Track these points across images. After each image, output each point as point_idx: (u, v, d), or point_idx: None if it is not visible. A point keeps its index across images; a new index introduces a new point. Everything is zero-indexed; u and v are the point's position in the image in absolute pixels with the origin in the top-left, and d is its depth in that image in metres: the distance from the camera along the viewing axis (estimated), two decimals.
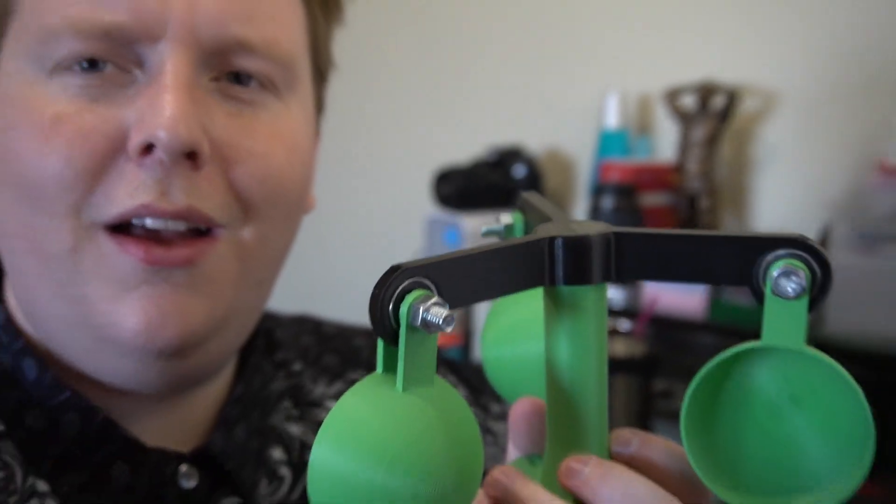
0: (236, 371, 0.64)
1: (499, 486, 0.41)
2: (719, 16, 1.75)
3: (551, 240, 0.40)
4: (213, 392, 0.62)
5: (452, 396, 0.38)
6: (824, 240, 1.46)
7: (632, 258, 0.41)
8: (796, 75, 1.66)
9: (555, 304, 0.41)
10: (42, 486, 0.55)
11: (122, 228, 0.53)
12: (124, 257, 0.52)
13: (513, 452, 0.46)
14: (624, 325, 1.55)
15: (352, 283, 1.98)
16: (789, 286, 0.37)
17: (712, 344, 1.54)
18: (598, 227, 0.41)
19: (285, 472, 0.63)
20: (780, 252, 0.38)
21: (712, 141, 1.66)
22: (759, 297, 0.38)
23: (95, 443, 0.56)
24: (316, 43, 0.62)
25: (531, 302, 0.47)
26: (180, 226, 0.53)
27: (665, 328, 1.54)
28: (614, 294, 1.59)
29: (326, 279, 2.24)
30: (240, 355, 0.64)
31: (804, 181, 1.64)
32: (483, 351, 0.51)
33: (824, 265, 0.37)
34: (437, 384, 0.37)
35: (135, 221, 0.52)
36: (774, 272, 0.37)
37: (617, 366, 1.50)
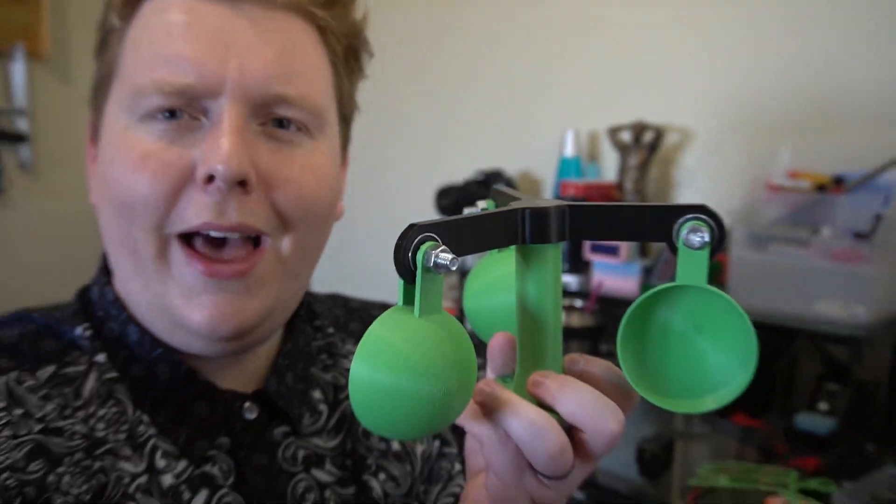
0: (284, 333, 0.64)
1: (483, 393, 0.40)
2: (649, 74, 1.74)
3: (522, 210, 0.40)
4: (268, 349, 0.62)
5: (455, 323, 0.38)
6: (727, 239, 1.50)
7: (581, 223, 0.41)
8: (706, 117, 1.67)
9: (524, 258, 0.42)
10: (145, 418, 0.55)
11: (189, 237, 0.53)
12: (191, 270, 0.53)
13: (490, 376, 0.44)
14: (577, 303, 1.55)
15: (373, 272, 1.98)
16: (695, 239, 0.38)
17: None
18: (557, 203, 0.41)
19: (323, 407, 0.63)
20: (689, 216, 0.39)
21: (644, 166, 1.67)
22: (674, 249, 0.39)
23: (182, 386, 0.57)
24: (341, 95, 0.60)
25: (501, 266, 0.48)
26: (235, 235, 0.53)
27: (608, 305, 1.54)
28: (570, 280, 1.59)
29: (353, 269, 2.18)
30: (287, 322, 0.63)
31: (712, 196, 1.62)
32: (465, 303, 0.51)
33: (720, 225, 0.39)
34: (443, 314, 0.38)
35: (200, 232, 0.53)
36: (685, 230, 0.39)
37: (573, 334, 1.51)
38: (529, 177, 1.98)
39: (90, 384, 0.56)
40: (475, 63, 2.07)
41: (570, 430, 0.40)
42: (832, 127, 1.52)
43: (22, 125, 2.27)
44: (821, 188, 1.38)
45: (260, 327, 0.56)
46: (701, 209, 0.39)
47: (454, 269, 0.35)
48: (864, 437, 1.32)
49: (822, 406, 1.32)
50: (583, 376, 0.41)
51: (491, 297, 0.49)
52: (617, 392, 0.41)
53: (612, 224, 0.41)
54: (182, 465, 0.55)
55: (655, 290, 0.39)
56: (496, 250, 0.49)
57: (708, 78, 1.67)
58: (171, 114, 0.53)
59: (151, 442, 0.55)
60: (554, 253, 0.41)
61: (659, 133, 1.67)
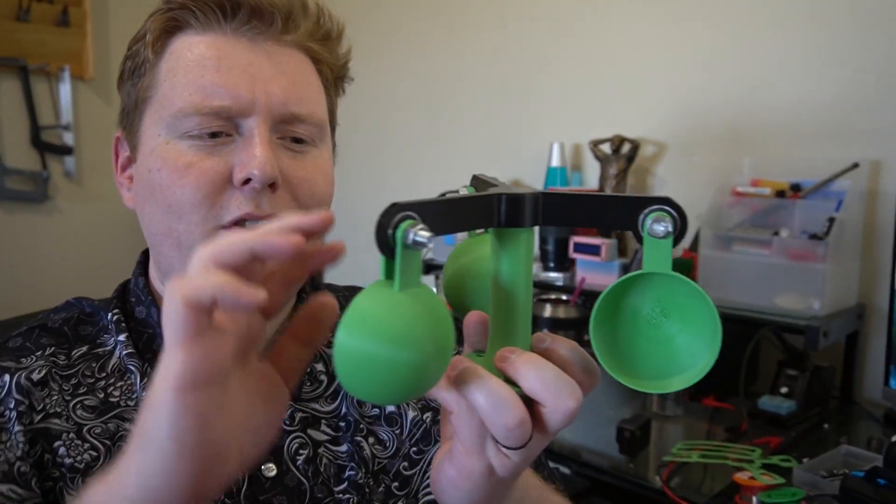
0: (294, 307, 0.67)
1: (457, 367, 0.39)
2: (627, 93, 1.74)
3: (499, 195, 0.39)
4: (278, 321, 0.64)
5: (433, 296, 0.37)
6: (696, 240, 1.46)
7: (554, 210, 0.40)
8: (677, 131, 1.67)
9: (499, 240, 0.40)
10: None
11: (235, 224, 0.57)
12: None
13: (467, 350, 0.44)
14: (563, 297, 1.54)
15: (374, 274, 2.02)
16: (659, 229, 0.37)
17: None
18: (531, 190, 0.40)
19: (323, 378, 0.65)
20: (654, 207, 0.38)
21: (622, 175, 1.66)
22: (639, 238, 0.38)
23: None
24: (331, 110, 0.66)
25: (476, 250, 0.47)
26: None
27: (591, 298, 1.51)
28: (557, 277, 1.58)
29: (359, 265, 2.23)
30: (297, 297, 0.67)
31: (682, 201, 1.51)
32: (444, 280, 0.48)
33: (682, 216, 0.37)
34: (422, 287, 0.36)
35: (241, 221, 0.57)
36: (650, 220, 0.37)
37: (560, 324, 1.50)
38: (519, 184, 1.96)
39: (113, 360, 0.61)
40: (469, 81, 2.07)
41: (531, 405, 0.38)
42: (790, 140, 1.53)
43: (67, 139, 2.29)
44: (780, 194, 1.39)
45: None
46: (665, 201, 0.38)
47: (431, 245, 0.34)
48: (820, 417, 1.32)
49: (783, 390, 1.32)
50: (547, 353, 0.40)
51: (469, 278, 0.47)
52: (579, 371, 0.40)
53: (582, 212, 0.40)
54: None
55: (625, 277, 0.38)
56: (475, 234, 0.48)
57: (679, 96, 1.67)
58: (212, 135, 0.57)
59: None
60: (527, 236, 0.40)
61: (635, 145, 1.67)
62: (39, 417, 0.56)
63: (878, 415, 1.33)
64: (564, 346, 0.40)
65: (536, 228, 0.41)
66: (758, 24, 1.55)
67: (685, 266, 1.49)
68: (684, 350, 0.38)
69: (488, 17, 2.01)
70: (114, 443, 0.57)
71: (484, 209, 0.39)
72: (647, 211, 0.38)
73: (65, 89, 2.25)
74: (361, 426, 0.63)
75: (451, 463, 0.41)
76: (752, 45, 1.56)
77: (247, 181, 0.56)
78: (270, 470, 0.58)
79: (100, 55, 2.33)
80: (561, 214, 0.40)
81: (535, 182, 1.90)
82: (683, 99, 1.66)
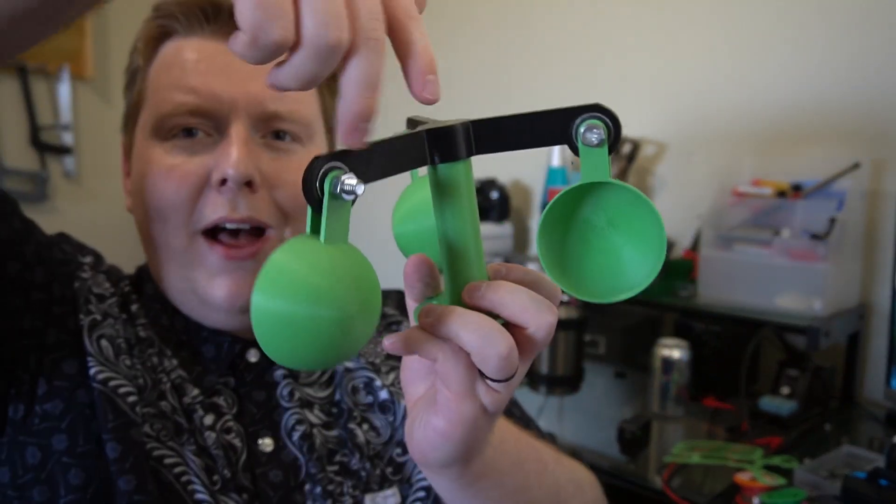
0: None
1: (429, 314, 0.37)
2: (627, 93, 1.74)
3: (427, 131, 0.37)
4: None
5: (359, 253, 0.34)
6: (697, 240, 1.47)
7: (486, 136, 0.38)
8: (678, 131, 1.67)
9: (437, 179, 0.38)
10: (169, 352, 0.61)
11: (212, 232, 0.59)
12: (213, 256, 0.58)
13: (411, 305, 0.41)
14: (564, 297, 1.56)
15: (383, 262, 2.02)
16: (592, 137, 0.36)
17: (621, 308, 1.54)
18: (459, 120, 0.38)
19: None
20: (585, 115, 0.36)
21: (622, 175, 1.65)
22: (575, 149, 0.37)
23: (194, 333, 0.62)
24: (326, 111, 0.66)
25: (419, 193, 0.45)
26: (245, 227, 0.59)
27: None
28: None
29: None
30: None
31: (683, 202, 1.63)
32: (393, 230, 0.46)
33: (615, 121, 0.36)
34: (348, 244, 0.34)
35: (219, 226, 0.58)
36: (582, 129, 0.36)
37: (560, 325, 1.53)
38: (520, 184, 1.97)
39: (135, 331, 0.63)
40: (469, 81, 2.07)
41: (512, 331, 0.37)
42: (791, 139, 1.53)
43: (67, 139, 2.29)
44: (781, 194, 1.38)
45: None
46: (595, 108, 0.36)
47: (361, 192, 0.32)
48: (822, 417, 1.31)
49: (784, 390, 1.32)
50: (509, 280, 0.39)
51: (415, 222, 0.45)
52: (543, 288, 0.39)
53: (514, 133, 0.38)
54: (196, 391, 0.59)
55: (569, 187, 0.37)
56: (418, 177, 0.46)
57: (680, 96, 1.67)
58: (189, 132, 0.58)
59: (175, 372, 0.60)
60: (465, 168, 0.38)
61: (636, 145, 1.67)
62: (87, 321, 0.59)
63: (879, 415, 1.33)
64: (519, 271, 0.40)
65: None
66: (758, 24, 1.55)
67: (686, 266, 1.49)
68: (631, 260, 0.38)
69: (488, 17, 2.01)
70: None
71: (414, 149, 0.37)
72: (578, 120, 0.37)
73: (64, 89, 2.24)
74: (355, 414, 0.64)
75: (440, 415, 0.39)
76: (752, 45, 1.56)
77: (223, 181, 0.57)
78: (268, 445, 0.60)
79: (99, 54, 2.32)
80: (493, 140, 0.38)
81: (535, 183, 1.90)
82: (684, 99, 1.66)
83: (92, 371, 0.55)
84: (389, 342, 0.38)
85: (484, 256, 0.40)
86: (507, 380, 0.38)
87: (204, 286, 0.59)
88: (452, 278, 0.39)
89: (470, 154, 0.38)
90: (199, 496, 0.54)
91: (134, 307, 0.63)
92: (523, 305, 0.37)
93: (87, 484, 0.51)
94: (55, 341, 0.56)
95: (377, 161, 0.35)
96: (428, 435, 0.40)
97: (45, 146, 2.24)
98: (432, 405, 0.40)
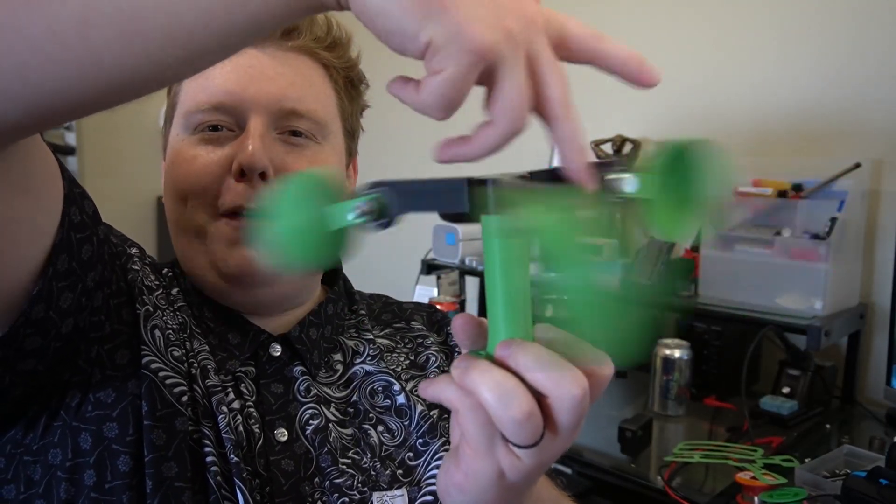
0: (316, 304, 0.71)
1: (460, 364, 0.37)
2: (628, 93, 1.75)
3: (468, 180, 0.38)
4: (302, 312, 0.69)
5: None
6: (698, 240, 1.47)
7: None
8: (679, 131, 1.59)
9: (484, 227, 0.38)
10: (199, 336, 0.63)
11: (232, 214, 0.62)
12: (230, 229, 0.62)
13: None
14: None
15: (386, 267, 2.00)
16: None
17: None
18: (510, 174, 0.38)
19: (339, 367, 0.67)
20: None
21: None
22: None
23: (223, 319, 0.65)
24: (344, 113, 0.69)
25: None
26: None
27: None
28: None
29: (368, 264, 2.25)
30: (321, 284, 0.72)
31: None
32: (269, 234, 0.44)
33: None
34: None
35: (238, 211, 0.62)
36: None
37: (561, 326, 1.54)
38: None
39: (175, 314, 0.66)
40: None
41: (539, 400, 0.36)
42: (792, 139, 1.53)
43: (70, 139, 2.30)
44: (781, 194, 1.38)
45: (278, 278, 0.64)
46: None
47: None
48: (822, 417, 1.32)
49: (785, 389, 1.32)
50: (551, 345, 0.37)
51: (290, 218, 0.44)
52: (579, 358, 0.37)
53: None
54: (218, 377, 0.61)
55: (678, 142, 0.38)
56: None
57: (681, 96, 1.67)
58: (214, 128, 0.63)
59: (203, 355, 0.62)
60: (493, 225, 0.37)
61: (637, 145, 1.67)
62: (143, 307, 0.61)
63: (879, 414, 1.33)
64: (568, 335, 0.38)
65: None
66: (759, 24, 1.55)
67: (687, 266, 1.49)
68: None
69: None
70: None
71: (455, 195, 0.38)
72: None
73: None
74: (371, 415, 0.66)
75: (458, 466, 0.39)
76: (753, 45, 1.56)
77: (242, 172, 0.61)
78: (282, 435, 0.61)
79: None
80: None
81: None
82: (685, 99, 1.66)
83: (145, 360, 0.58)
84: (422, 384, 0.40)
85: (531, 315, 0.38)
86: (529, 446, 0.36)
87: (223, 257, 0.62)
88: (493, 334, 0.39)
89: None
90: (219, 479, 0.56)
91: (174, 291, 0.66)
92: (544, 370, 0.35)
93: (135, 471, 0.54)
94: (111, 332, 0.58)
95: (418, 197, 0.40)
96: (447, 482, 0.41)
97: (47, 146, 2.25)
98: (457, 453, 0.40)
